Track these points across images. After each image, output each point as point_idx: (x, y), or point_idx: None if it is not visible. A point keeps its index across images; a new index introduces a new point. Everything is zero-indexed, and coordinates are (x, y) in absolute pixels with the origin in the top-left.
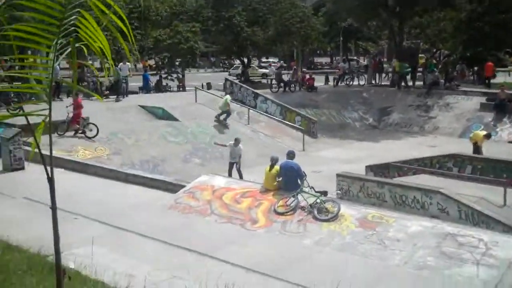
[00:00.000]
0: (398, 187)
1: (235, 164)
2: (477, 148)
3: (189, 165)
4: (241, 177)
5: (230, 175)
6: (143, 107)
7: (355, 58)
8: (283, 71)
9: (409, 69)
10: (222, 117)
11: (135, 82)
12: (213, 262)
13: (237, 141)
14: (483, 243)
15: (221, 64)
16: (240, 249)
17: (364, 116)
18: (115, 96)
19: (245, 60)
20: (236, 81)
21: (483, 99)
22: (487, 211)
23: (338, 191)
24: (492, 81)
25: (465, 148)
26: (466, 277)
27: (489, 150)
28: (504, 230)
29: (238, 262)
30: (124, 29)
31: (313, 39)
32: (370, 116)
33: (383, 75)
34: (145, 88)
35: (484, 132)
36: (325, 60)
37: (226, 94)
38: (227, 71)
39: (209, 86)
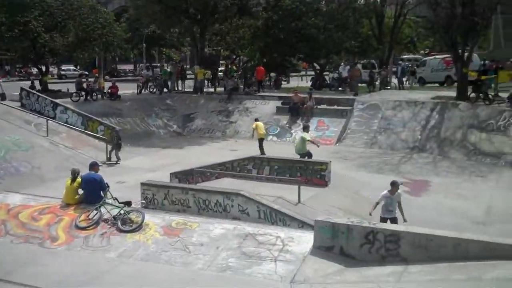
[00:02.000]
0: (202, 192)
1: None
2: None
3: None
4: None
5: None
6: None
7: (158, 65)
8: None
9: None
10: None
11: None
12: (7, 286)
13: None
14: (280, 240)
15: (16, 73)
16: (40, 269)
17: (168, 123)
18: None
19: (43, 68)
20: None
21: (279, 103)
22: (283, 209)
23: (143, 201)
24: (286, 85)
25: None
26: (265, 274)
27: (285, 151)
28: (299, 226)
29: (37, 283)
30: None
31: (115, 46)
32: (174, 123)
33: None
34: None
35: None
36: (128, 67)
37: None
38: (24, 80)
39: (3, 97)
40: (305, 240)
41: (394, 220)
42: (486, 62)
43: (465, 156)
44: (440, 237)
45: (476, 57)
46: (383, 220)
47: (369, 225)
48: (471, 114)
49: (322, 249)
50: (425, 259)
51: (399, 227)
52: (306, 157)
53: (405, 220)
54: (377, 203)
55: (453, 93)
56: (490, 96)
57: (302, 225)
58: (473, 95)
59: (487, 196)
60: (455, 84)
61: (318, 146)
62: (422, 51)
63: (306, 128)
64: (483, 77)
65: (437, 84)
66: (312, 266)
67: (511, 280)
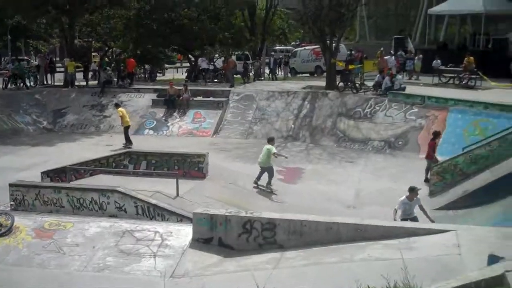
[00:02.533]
0: (75, 190)
1: None
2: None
3: None
4: None
5: None
6: None
7: (25, 58)
8: None
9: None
10: None
11: None
12: None
13: None
14: (159, 235)
15: None
16: None
17: (38, 120)
18: None
19: None
20: None
21: (154, 96)
22: (161, 204)
23: (12, 202)
24: (161, 77)
25: (140, 144)
26: (145, 271)
27: (163, 144)
28: (178, 219)
29: None
30: None
31: None
32: (44, 119)
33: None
34: None
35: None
36: None
37: None
38: None
39: None
40: (184, 233)
41: (414, 219)
42: (353, 52)
43: (336, 143)
44: (313, 222)
45: (344, 47)
46: (404, 220)
47: (247, 214)
48: (339, 103)
49: (201, 242)
50: (300, 244)
51: (274, 214)
52: (267, 173)
53: (432, 221)
54: (396, 210)
55: (323, 83)
56: (357, 85)
57: (181, 218)
58: (341, 84)
59: (356, 180)
60: (325, 74)
61: (286, 158)
62: (293, 42)
63: (271, 141)
64: (350, 67)
65: (307, 74)
66: (192, 259)
67: (378, 259)
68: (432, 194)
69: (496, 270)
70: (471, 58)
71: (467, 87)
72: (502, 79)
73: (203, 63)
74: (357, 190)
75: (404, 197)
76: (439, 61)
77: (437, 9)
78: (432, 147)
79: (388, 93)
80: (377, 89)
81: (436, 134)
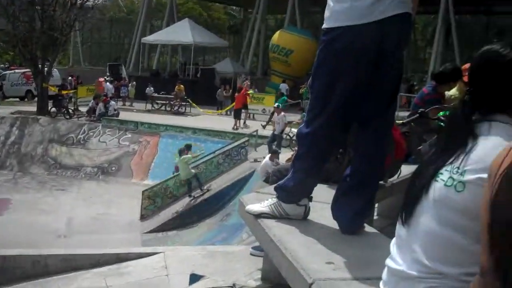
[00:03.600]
0: None
1: None
2: None
3: None
4: None
5: None
6: None
7: None
8: None
9: None
10: None
11: None
12: None
13: None
14: None
15: None
16: None
17: None
18: None
19: None
20: None
21: None
22: None
23: None
24: None
25: None
26: None
27: None
28: None
29: None
30: None
31: None
32: None
33: None
34: None
35: None
36: None
37: None
38: None
39: None
40: None
41: None
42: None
43: (46, 170)
44: (16, 257)
45: (57, 72)
46: None
47: None
48: (51, 129)
49: None
50: (3, 282)
51: None
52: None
53: None
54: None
55: (34, 108)
56: (70, 110)
57: None
58: (53, 109)
59: (68, 208)
60: (36, 98)
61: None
62: (2, 65)
63: (183, 152)
64: (63, 92)
65: (18, 99)
66: None
67: None
68: (143, 218)
69: None
70: (182, 86)
71: (178, 113)
72: (209, 106)
73: None
74: (69, 219)
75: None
76: (152, 88)
77: (150, 38)
78: None
79: (102, 119)
80: (91, 115)
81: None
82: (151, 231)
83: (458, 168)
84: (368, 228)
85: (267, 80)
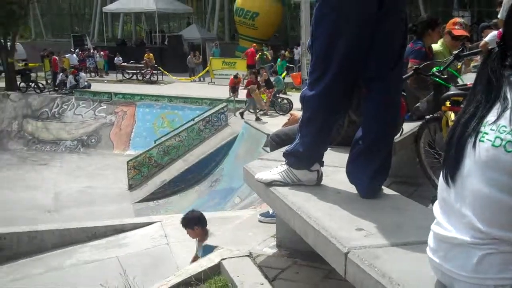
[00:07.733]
0: None
1: None
2: None
3: None
4: None
5: None
6: None
7: None
8: None
9: None
10: None
11: None
12: None
13: None
14: None
15: None
16: None
17: None
18: None
19: None
20: None
21: None
22: None
23: None
24: None
25: None
26: None
27: None
28: None
29: None
30: None
31: None
32: None
33: None
34: None
35: None
36: None
37: None
38: None
39: None
40: None
41: None
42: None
43: (25, 146)
44: (12, 234)
45: (20, 46)
46: None
47: None
48: (24, 104)
49: None
50: (2, 260)
51: None
52: None
53: None
54: None
55: (2, 84)
56: (40, 84)
57: None
58: (23, 84)
59: (52, 183)
60: (3, 74)
61: None
62: None
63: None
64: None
65: None
66: None
67: (88, 262)
68: (131, 188)
69: (212, 260)
70: (151, 54)
71: (151, 82)
72: (181, 73)
73: None
74: (56, 194)
75: None
76: (120, 58)
77: (111, 7)
78: None
79: (74, 92)
80: (62, 88)
81: None
82: (141, 201)
83: (505, 126)
84: (386, 190)
85: (235, 45)
